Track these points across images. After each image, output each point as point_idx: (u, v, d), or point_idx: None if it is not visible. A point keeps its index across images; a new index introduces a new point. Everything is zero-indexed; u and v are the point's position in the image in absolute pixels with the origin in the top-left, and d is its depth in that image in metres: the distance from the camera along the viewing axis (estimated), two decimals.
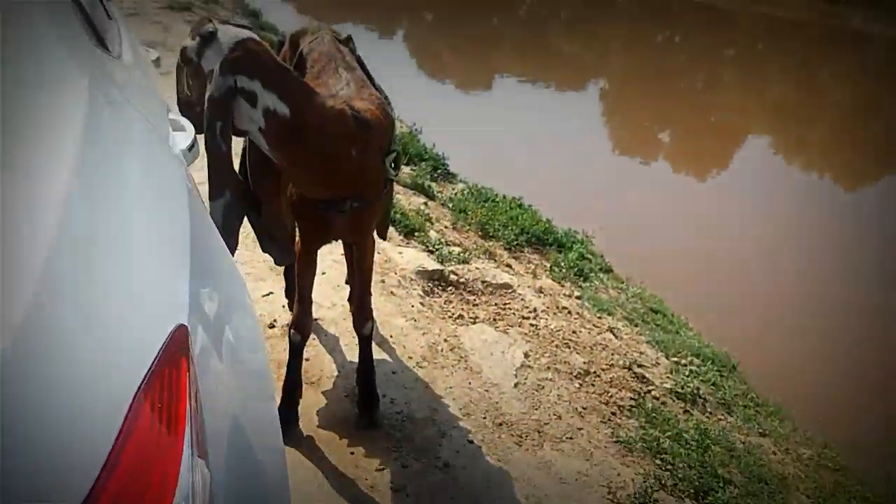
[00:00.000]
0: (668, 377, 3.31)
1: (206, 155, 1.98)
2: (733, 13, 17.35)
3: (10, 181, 0.77)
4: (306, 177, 2.18)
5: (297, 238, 2.37)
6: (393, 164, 2.33)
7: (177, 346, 0.78)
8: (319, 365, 2.83)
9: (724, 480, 2.65)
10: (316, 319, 3.06)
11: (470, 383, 2.91)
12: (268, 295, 3.16)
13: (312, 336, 2.95)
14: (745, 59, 13.45)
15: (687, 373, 3.36)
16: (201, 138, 1.95)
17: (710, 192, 7.06)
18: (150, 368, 0.71)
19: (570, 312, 3.70)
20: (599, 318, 3.74)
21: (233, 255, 2.18)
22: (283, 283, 3.10)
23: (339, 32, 2.67)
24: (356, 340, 2.60)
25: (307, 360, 2.82)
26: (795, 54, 13.07)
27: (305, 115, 2.02)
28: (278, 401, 2.47)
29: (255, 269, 3.36)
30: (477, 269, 3.83)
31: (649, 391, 3.15)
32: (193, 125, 1.89)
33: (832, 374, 3.88)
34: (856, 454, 3.17)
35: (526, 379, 3.00)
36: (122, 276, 0.83)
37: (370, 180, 2.26)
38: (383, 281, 3.43)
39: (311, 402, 2.62)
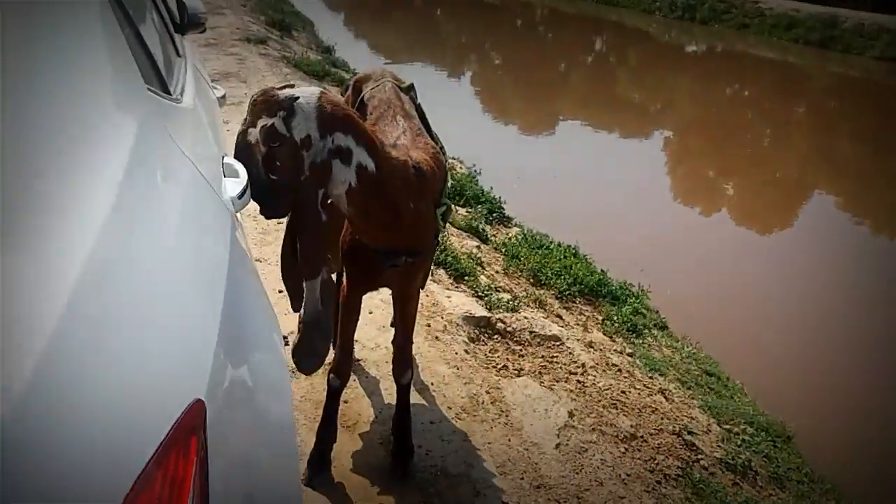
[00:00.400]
0: (718, 446, 3.14)
1: (299, 230, 1.90)
2: (805, 70, 16.96)
3: (32, 225, 0.76)
4: (372, 231, 2.13)
5: (344, 283, 2.36)
6: (442, 217, 2.31)
7: (188, 424, 0.76)
8: (357, 408, 2.80)
9: None
10: (358, 361, 3.05)
11: (509, 440, 2.82)
12: None
13: (353, 378, 2.94)
14: (815, 117, 13.07)
15: (739, 442, 3.18)
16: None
17: (773, 249, 6.80)
18: (157, 448, 0.69)
19: (619, 370, 3.57)
20: (650, 378, 3.59)
21: (329, 344, 2.13)
22: None
23: (401, 80, 2.69)
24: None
25: (345, 402, 2.79)
26: (867, 115, 12.62)
27: (384, 168, 1.96)
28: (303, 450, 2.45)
29: None
30: (525, 318, 3.75)
31: (698, 460, 2.99)
32: (278, 208, 1.86)
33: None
34: None
35: (569, 440, 2.89)
36: (144, 341, 0.81)
37: (423, 233, 2.24)
38: (429, 325, 3.40)
39: (345, 447, 2.59)
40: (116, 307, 0.80)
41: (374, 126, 2.36)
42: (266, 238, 4.05)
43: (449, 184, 2.48)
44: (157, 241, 0.99)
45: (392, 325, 3.07)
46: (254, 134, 1.82)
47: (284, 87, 1.91)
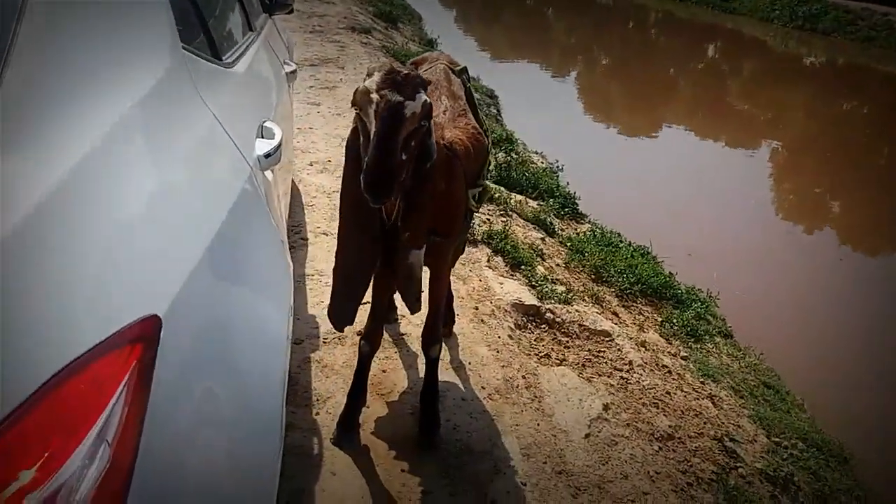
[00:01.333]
0: (762, 457, 3.02)
1: (415, 208, 2.03)
2: None
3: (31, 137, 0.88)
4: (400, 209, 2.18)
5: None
6: (477, 197, 2.36)
7: (135, 333, 0.82)
8: (394, 378, 2.91)
9: None
10: (402, 335, 3.16)
11: (538, 425, 2.84)
12: (365, 303, 3.29)
13: (394, 349, 3.05)
14: None
15: (785, 456, 3.04)
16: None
17: (863, 271, 6.35)
18: (95, 345, 0.76)
19: (669, 371, 3.49)
20: (702, 382, 3.49)
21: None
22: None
23: (456, 63, 2.77)
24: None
25: (384, 371, 2.91)
26: None
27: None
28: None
29: None
30: (577, 311, 3.74)
31: (736, 467, 2.89)
32: (392, 191, 1.79)
33: None
34: None
35: (600, 431, 2.87)
36: (113, 249, 0.90)
37: (452, 213, 2.28)
38: (476, 308, 3.46)
39: (377, 413, 2.70)
40: (93, 212, 0.92)
41: None
42: (336, 214, 4.24)
43: (491, 166, 2.53)
44: (150, 168, 1.12)
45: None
46: (412, 107, 1.78)
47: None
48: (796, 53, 19.14)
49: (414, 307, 2.33)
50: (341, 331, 2.57)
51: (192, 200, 1.20)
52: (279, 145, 1.86)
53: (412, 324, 3.24)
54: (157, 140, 1.18)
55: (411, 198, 2.03)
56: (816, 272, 6.13)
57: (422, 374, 2.97)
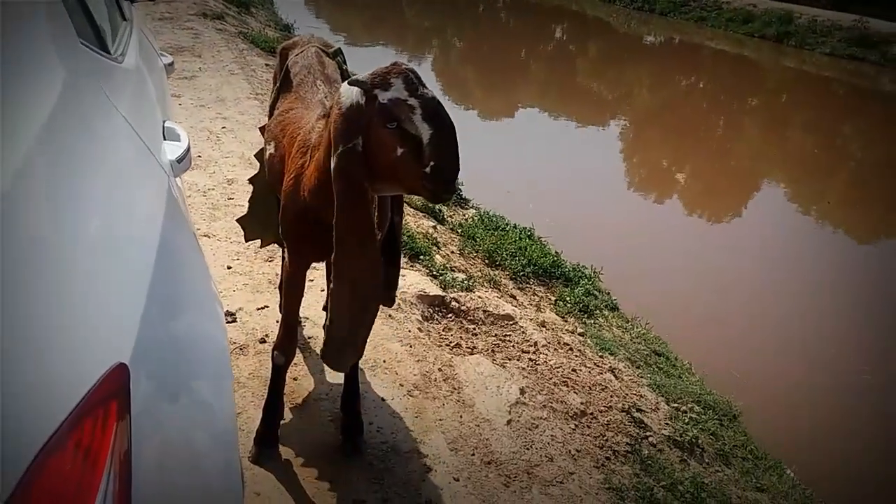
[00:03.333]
0: (666, 423, 3.20)
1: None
2: (760, 65, 17.33)
3: None
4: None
5: (287, 258, 2.30)
6: None
7: (108, 388, 0.71)
8: (307, 386, 2.76)
9: None
10: (309, 338, 3.01)
11: (461, 417, 2.82)
12: (262, 308, 3.11)
13: (301, 355, 2.89)
14: (768, 110, 13.40)
15: (686, 420, 3.25)
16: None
17: (723, 234, 6.96)
18: (70, 412, 0.64)
19: (571, 349, 3.60)
20: (601, 357, 3.64)
21: None
22: (278, 297, 3.05)
23: (330, 45, 2.65)
24: None
25: (295, 379, 2.76)
26: (818, 109, 13.00)
27: None
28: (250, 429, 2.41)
29: (252, 281, 3.31)
30: (480, 297, 3.75)
31: (647, 437, 3.04)
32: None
33: (837, 430, 3.74)
34: None
35: (520, 416, 2.90)
36: (59, 297, 0.75)
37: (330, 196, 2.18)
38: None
39: (294, 424, 2.55)
40: (27, 259, 0.74)
41: (296, 92, 2.32)
42: (215, 213, 3.96)
43: None
44: (77, 190, 0.94)
45: None
46: (385, 96, 1.72)
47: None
48: (637, 34, 20.49)
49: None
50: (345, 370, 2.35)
51: (126, 221, 1.04)
52: (188, 148, 1.67)
53: (317, 326, 3.09)
54: (77, 160, 0.99)
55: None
56: (672, 238, 6.60)
57: (334, 379, 2.85)
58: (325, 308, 3.00)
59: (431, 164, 1.69)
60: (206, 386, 1.12)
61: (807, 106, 13.40)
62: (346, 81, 1.84)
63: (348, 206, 1.83)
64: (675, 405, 3.40)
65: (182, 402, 0.99)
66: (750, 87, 14.72)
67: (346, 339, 2.05)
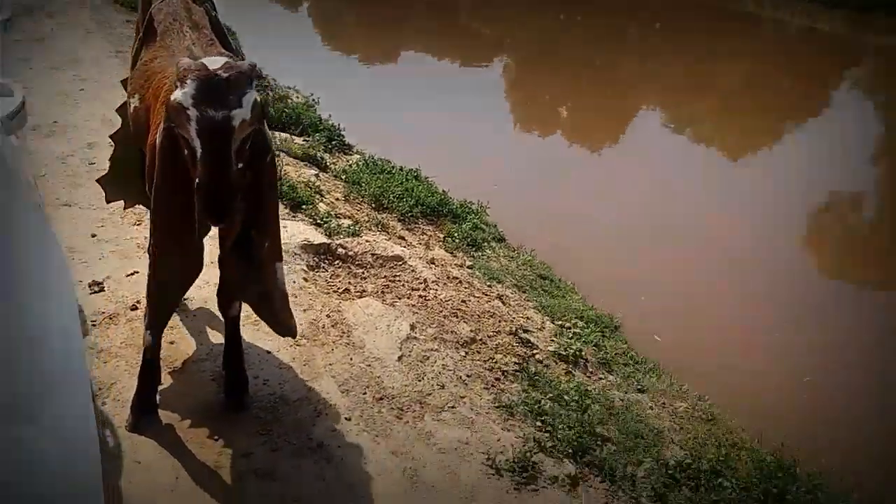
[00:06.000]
0: (552, 340, 3.35)
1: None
2: None
3: None
4: None
5: (156, 225, 2.19)
6: None
7: None
8: (184, 348, 2.70)
9: (602, 438, 2.70)
10: (185, 299, 2.91)
11: (351, 359, 2.84)
12: (132, 274, 2.97)
13: (177, 317, 2.80)
14: (642, 39, 13.82)
15: (570, 335, 3.41)
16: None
17: (603, 162, 7.22)
18: None
19: (460, 282, 3.67)
20: (489, 286, 3.73)
21: None
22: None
23: None
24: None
25: (172, 343, 2.68)
26: (690, 33, 13.49)
27: None
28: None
29: (119, 247, 3.16)
30: (367, 241, 3.74)
31: (534, 355, 3.17)
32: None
33: (707, 329, 4.03)
34: (730, 404, 3.30)
35: (411, 351, 2.95)
36: None
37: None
38: None
39: (175, 388, 2.49)
40: None
41: (161, 41, 2.19)
42: (77, 181, 3.72)
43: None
44: None
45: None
46: (241, 115, 1.63)
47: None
48: None
49: (291, 330, 2.33)
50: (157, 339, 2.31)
51: None
52: (23, 102, 1.55)
53: (195, 287, 2.99)
54: None
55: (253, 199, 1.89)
56: (551, 167, 6.74)
57: (213, 339, 2.79)
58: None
59: (197, 179, 1.63)
60: (54, 357, 1.07)
61: (679, 32, 13.87)
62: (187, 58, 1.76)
63: (163, 184, 1.79)
64: (560, 323, 3.55)
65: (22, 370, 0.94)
66: (624, 19, 15.04)
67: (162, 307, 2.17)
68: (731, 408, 3.27)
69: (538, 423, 2.70)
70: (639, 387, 3.26)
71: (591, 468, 2.55)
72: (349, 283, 3.40)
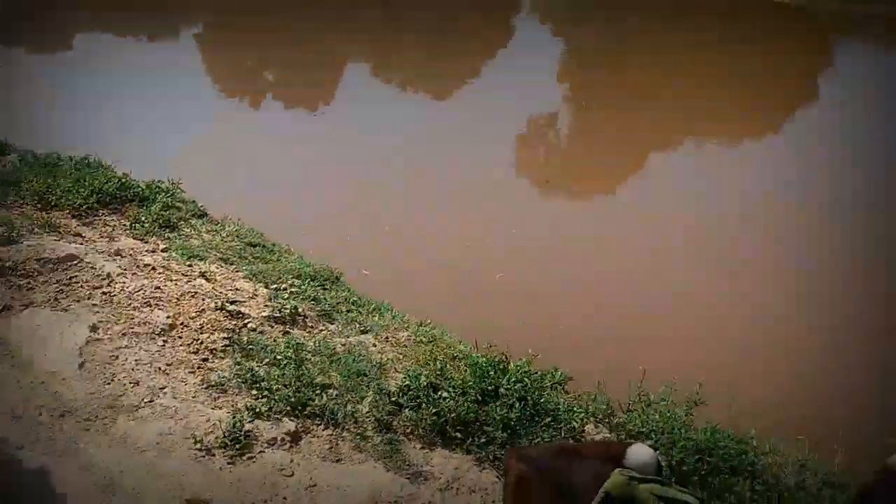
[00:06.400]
0: (266, 305, 3.21)
1: None
2: None
3: None
4: None
5: None
6: None
7: None
8: None
9: (322, 387, 2.65)
10: None
11: (18, 381, 2.43)
12: None
13: None
14: None
15: (286, 296, 3.30)
16: None
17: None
18: None
19: (154, 268, 3.34)
20: (189, 265, 3.45)
21: None
22: None
23: None
24: None
25: None
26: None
27: None
28: None
29: None
30: (29, 247, 3.22)
31: (245, 325, 3.01)
32: None
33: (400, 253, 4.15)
34: (450, 322, 3.45)
35: (94, 355, 2.61)
36: None
37: None
38: None
39: None
40: None
41: None
42: None
43: None
44: None
45: None
46: None
47: None
48: None
49: None
50: None
51: None
52: None
53: None
54: None
55: None
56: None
57: None
58: None
59: None
60: None
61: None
62: None
63: None
64: (275, 286, 3.41)
65: None
66: None
67: None
68: (451, 325, 3.42)
69: (253, 392, 2.57)
70: (362, 328, 3.25)
71: (313, 418, 2.50)
72: (11, 297, 2.90)
